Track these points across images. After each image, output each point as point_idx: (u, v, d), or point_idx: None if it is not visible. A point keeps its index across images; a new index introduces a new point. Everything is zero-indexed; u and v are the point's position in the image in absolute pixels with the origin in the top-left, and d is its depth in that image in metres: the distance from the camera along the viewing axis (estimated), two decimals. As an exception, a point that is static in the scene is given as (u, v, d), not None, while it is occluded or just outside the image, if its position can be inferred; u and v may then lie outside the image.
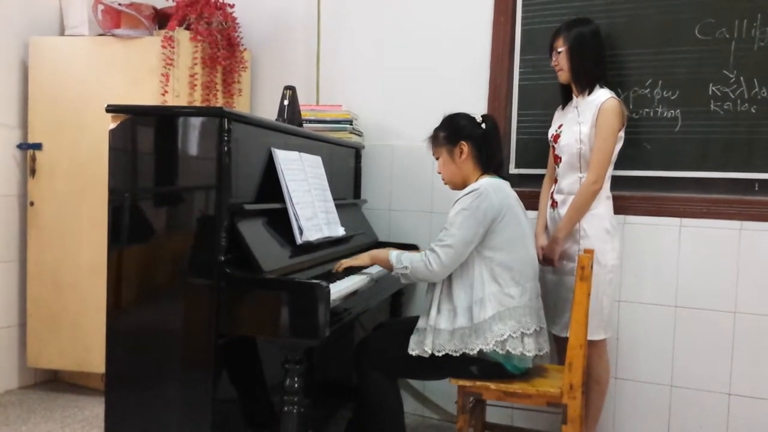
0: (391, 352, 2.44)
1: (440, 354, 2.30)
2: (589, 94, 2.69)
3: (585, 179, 2.64)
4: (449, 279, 2.36)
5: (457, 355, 2.29)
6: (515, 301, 2.30)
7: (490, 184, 2.36)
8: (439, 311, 2.35)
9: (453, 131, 2.47)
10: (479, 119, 2.48)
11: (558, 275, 2.73)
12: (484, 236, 2.31)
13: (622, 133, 2.67)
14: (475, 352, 2.27)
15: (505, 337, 2.26)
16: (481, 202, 2.30)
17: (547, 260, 2.72)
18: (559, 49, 2.70)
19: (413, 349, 2.34)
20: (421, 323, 2.38)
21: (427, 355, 2.32)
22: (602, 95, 2.64)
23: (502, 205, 2.33)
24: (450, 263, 2.30)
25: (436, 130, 2.53)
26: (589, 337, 2.61)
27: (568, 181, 2.71)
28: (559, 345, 2.71)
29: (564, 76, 2.72)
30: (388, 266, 2.43)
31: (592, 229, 2.65)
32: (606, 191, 2.69)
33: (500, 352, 2.27)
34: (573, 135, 2.67)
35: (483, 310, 2.28)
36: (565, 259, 2.69)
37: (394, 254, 2.41)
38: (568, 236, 2.67)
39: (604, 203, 2.69)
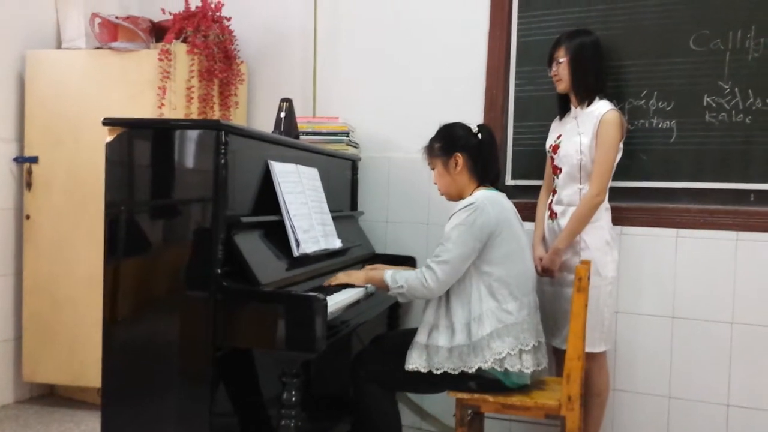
0: (388, 366, 2.43)
1: (439, 372, 2.29)
2: (589, 105, 2.69)
3: (588, 191, 2.63)
4: (447, 295, 2.34)
5: (456, 373, 2.28)
6: (513, 317, 2.29)
7: (486, 197, 2.35)
8: (437, 328, 2.33)
9: (448, 142, 2.46)
10: (475, 129, 2.47)
11: (557, 287, 2.72)
12: (481, 251, 2.30)
13: (621, 144, 2.68)
14: (473, 370, 2.26)
15: (503, 355, 2.24)
16: (477, 216, 2.29)
17: (546, 271, 2.72)
18: (560, 60, 2.70)
19: (411, 365, 2.33)
20: (419, 339, 2.36)
21: (425, 372, 2.31)
22: (602, 107, 2.65)
23: (499, 219, 2.32)
24: (447, 279, 2.28)
25: (432, 140, 2.52)
26: (591, 350, 2.61)
27: (567, 192, 2.71)
28: (559, 357, 2.70)
29: (562, 86, 2.73)
30: (384, 286, 2.39)
31: (593, 240, 2.65)
32: (605, 203, 2.69)
33: (499, 369, 2.26)
34: (573, 146, 2.67)
35: (481, 327, 2.27)
36: (565, 270, 2.68)
37: (389, 274, 2.38)
38: (568, 247, 2.66)
39: (604, 215, 2.69)
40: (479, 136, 2.46)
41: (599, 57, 2.74)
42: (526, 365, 2.28)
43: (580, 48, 2.68)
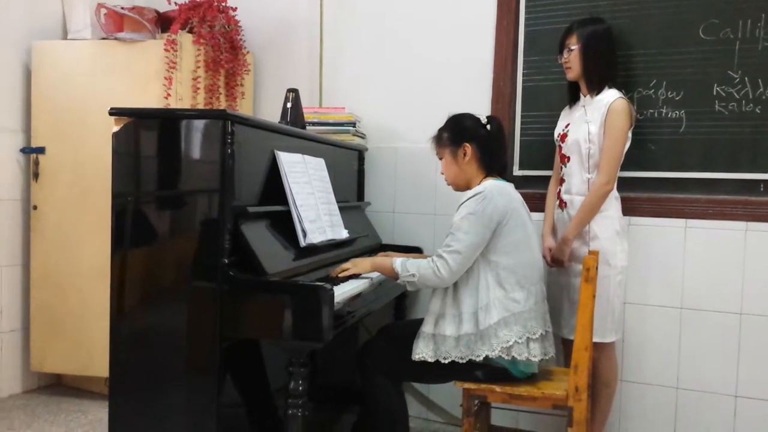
0: (395, 356, 2.42)
1: (446, 361, 2.29)
2: (598, 93, 2.67)
3: (596, 180, 2.62)
4: (454, 284, 2.33)
5: (463, 362, 2.28)
6: (520, 305, 2.28)
7: (494, 186, 2.34)
8: (443, 317, 2.33)
9: (457, 132, 2.45)
10: (484, 120, 2.46)
11: (566, 277, 2.71)
12: (490, 239, 2.30)
13: (629, 133, 2.66)
14: (481, 358, 2.26)
15: (510, 343, 2.24)
16: (486, 205, 2.28)
17: (556, 261, 2.71)
18: (572, 47, 2.68)
19: (418, 355, 2.33)
20: (426, 329, 2.35)
21: (432, 361, 2.30)
22: (611, 95, 2.63)
23: (506, 208, 2.31)
24: (458, 269, 2.27)
25: (440, 130, 2.51)
26: (600, 340, 2.60)
27: (576, 181, 2.69)
28: (567, 348, 2.69)
29: (572, 74, 2.71)
30: (393, 274, 2.37)
31: (602, 230, 2.63)
32: (614, 192, 2.68)
33: (506, 357, 2.26)
34: (581, 134, 2.65)
35: (488, 315, 2.26)
36: (574, 260, 2.66)
37: (398, 261, 2.36)
38: (577, 237, 2.65)
39: (613, 204, 2.67)
40: (488, 127, 2.45)
41: (611, 45, 2.72)
42: (533, 353, 2.28)
43: (592, 36, 2.66)
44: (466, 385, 2.34)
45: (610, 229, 2.64)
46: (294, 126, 2.91)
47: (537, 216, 2.81)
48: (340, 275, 2.44)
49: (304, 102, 3.13)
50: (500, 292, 2.28)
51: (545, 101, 3.05)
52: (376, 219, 3.40)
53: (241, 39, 3.54)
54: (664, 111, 2.85)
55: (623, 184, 2.78)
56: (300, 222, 2.37)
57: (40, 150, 3.37)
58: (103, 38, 3.38)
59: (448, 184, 2.54)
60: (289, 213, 2.37)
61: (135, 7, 3.39)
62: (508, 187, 2.41)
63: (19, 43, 3.41)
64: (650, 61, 2.86)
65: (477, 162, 2.44)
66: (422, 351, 2.32)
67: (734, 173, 2.76)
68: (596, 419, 2.72)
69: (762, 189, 2.74)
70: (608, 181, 2.61)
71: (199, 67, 3.33)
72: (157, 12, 3.43)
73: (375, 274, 2.54)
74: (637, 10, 2.88)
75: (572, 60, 2.69)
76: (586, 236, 2.65)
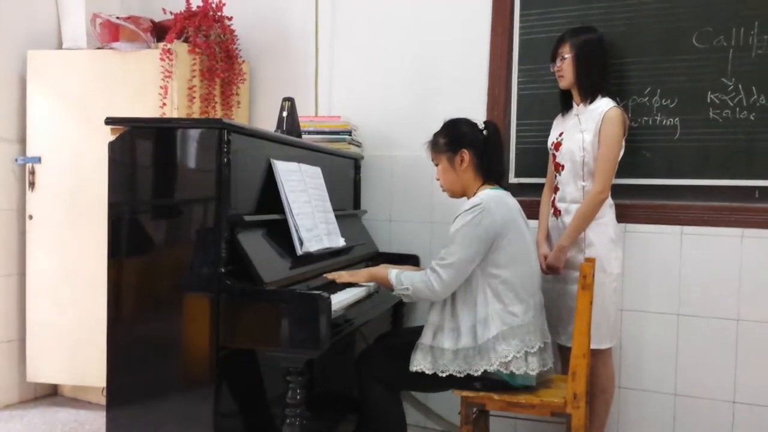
0: (393, 365, 2.42)
1: (444, 375, 2.28)
2: (591, 102, 2.68)
3: (592, 188, 2.63)
4: (452, 297, 2.31)
5: (461, 376, 2.27)
6: (519, 319, 2.27)
7: (491, 197, 2.32)
8: (442, 330, 2.32)
9: (454, 138, 2.43)
10: (481, 125, 2.45)
11: (562, 284, 2.71)
12: (486, 253, 2.27)
13: (623, 141, 2.67)
14: (479, 373, 2.25)
15: (509, 358, 2.23)
16: (482, 218, 2.26)
17: (551, 269, 2.71)
18: (565, 56, 2.69)
19: (416, 367, 2.31)
20: (424, 340, 2.34)
21: (430, 373, 2.29)
22: (604, 104, 2.64)
23: (505, 220, 2.29)
24: (452, 283, 2.26)
25: (437, 135, 2.48)
26: (596, 346, 2.60)
27: (570, 190, 2.70)
28: (564, 354, 2.69)
29: (565, 82, 2.72)
30: (388, 286, 2.37)
31: (598, 237, 2.64)
32: (609, 200, 2.68)
33: (504, 371, 2.25)
34: (576, 143, 2.66)
35: (486, 329, 2.25)
36: (570, 268, 2.67)
37: (393, 273, 2.35)
38: (573, 245, 2.66)
39: (608, 212, 2.68)
40: (485, 132, 2.43)
41: (604, 54, 2.73)
42: (531, 367, 2.27)
43: (585, 44, 2.67)
44: (465, 393, 2.33)
45: (606, 237, 2.65)
46: (290, 135, 2.91)
47: (533, 224, 2.81)
48: (337, 280, 2.44)
49: (300, 111, 3.13)
50: (498, 305, 2.27)
51: (540, 109, 3.06)
52: (373, 227, 3.40)
53: (236, 48, 3.54)
54: (658, 118, 2.86)
55: (618, 191, 2.78)
56: (296, 230, 2.37)
57: (36, 159, 3.37)
58: (99, 48, 3.38)
59: (444, 191, 2.53)
60: (285, 221, 2.37)
61: (130, 17, 3.39)
62: (506, 196, 2.40)
63: (14, 52, 3.41)
64: (644, 69, 2.87)
65: (474, 169, 2.43)
66: (420, 363, 2.31)
67: (729, 180, 2.77)
68: (594, 426, 2.72)
69: (757, 195, 2.75)
70: (603, 190, 2.61)
71: (194, 77, 3.33)
72: (152, 21, 3.43)
73: (372, 283, 2.54)
74: (631, 18, 2.89)
75: (565, 68, 2.70)
76: (582, 243, 2.65)
